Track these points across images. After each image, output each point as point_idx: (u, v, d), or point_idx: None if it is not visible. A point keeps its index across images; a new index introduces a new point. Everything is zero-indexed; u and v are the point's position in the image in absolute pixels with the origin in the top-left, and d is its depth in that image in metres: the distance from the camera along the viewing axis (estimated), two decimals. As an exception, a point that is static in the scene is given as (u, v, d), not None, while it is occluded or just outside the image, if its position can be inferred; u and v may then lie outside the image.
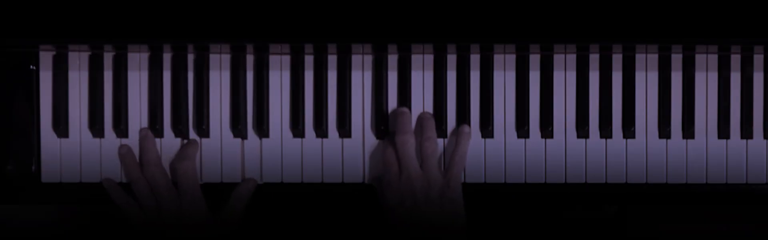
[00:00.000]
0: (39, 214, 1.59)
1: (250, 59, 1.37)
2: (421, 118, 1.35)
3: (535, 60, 1.35)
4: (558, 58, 1.35)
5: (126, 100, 1.37)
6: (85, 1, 1.28)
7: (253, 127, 1.37)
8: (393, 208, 1.31)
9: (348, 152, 1.36)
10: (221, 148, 1.37)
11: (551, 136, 1.36)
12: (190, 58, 1.37)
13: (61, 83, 1.36)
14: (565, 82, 1.36)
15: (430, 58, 1.36)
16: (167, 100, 1.37)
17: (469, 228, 1.32)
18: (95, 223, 1.59)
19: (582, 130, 1.35)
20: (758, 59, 1.35)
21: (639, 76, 1.35)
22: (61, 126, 1.36)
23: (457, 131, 1.35)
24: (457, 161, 1.33)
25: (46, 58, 1.37)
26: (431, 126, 1.34)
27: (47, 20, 1.28)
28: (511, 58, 1.36)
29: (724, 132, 1.35)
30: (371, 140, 1.36)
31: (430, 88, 1.36)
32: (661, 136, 1.35)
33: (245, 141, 1.37)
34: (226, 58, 1.36)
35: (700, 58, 1.35)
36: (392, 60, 1.36)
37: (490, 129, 1.35)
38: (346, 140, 1.36)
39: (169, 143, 1.37)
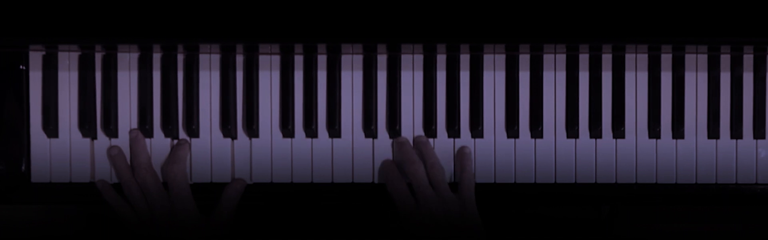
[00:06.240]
0: (28, 214, 1.59)
1: (239, 59, 1.36)
2: (419, 143, 1.34)
3: (524, 60, 1.35)
4: (548, 58, 1.35)
5: (115, 100, 1.36)
6: (75, 1, 1.28)
7: (243, 127, 1.37)
8: (418, 237, 1.31)
9: (338, 152, 1.36)
10: (211, 148, 1.36)
11: (541, 136, 1.35)
12: (180, 58, 1.36)
13: (51, 83, 1.36)
14: (554, 82, 1.36)
15: (419, 58, 1.36)
16: (157, 100, 1.36)
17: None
18: (84, 223, 1.59)
19: (572, 130, 1.35)
20: (747, 59, 1.35)
21: (629, 76, 1.35)
22: (50, 126, 1.36)
23: (458, 153, 1.34)
24: (466, 183, 1.33)
25: (35, 58, 1.36)
26: (431, 152, 1.34)
27: (37, 20, 1.28)
28: (501, 58, 1.36)
29: (713, 132, 1.35)
30: (361, 140, 1.36)
31: (420, 88, 1.36)
32: (650, 136, 1.35)
33: (235, 141, 1.37)
34: (216, 58, 1.36)
35: (689, 58, 1.35)
36: (382, 60, 1.36)
37: (479, 129, 1.35)
38: (335, 140, 1.36)
39: (159, 143, 1.37)
